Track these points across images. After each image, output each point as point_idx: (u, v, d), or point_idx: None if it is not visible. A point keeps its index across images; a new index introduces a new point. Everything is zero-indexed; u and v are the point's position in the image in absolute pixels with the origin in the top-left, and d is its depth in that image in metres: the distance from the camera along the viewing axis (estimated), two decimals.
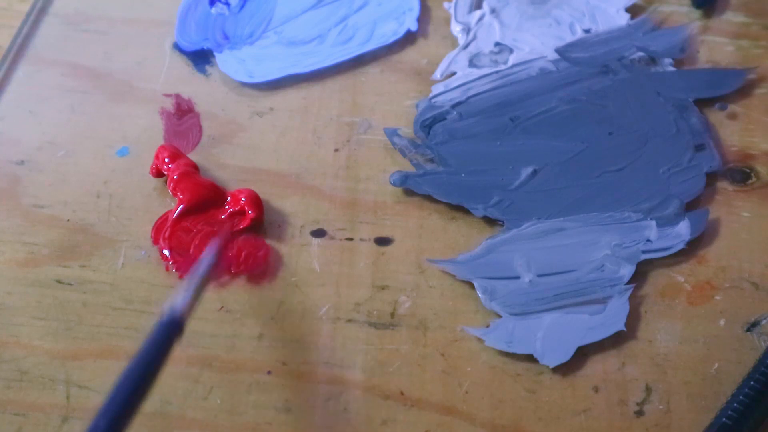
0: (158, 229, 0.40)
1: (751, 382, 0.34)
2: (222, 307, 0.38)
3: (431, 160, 0.42)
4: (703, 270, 0.39)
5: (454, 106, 0.44)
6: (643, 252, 0.39)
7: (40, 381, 0.36)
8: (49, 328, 0.37)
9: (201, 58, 0.46)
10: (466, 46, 0.46)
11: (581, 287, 0.38)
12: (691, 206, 0.40)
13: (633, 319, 0.37)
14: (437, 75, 0.45)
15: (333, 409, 0.35)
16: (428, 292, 0.38)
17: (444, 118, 0.43)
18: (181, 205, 0.40)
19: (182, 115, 0.44)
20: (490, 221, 0.40)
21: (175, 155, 0.41)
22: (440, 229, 0.40)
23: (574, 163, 0.42)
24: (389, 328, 0.37)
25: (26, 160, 0.42)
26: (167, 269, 0.39)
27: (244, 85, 0.45)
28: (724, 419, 0.34)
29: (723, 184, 0.42)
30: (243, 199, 0.40)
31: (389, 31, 0.47)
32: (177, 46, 0.47)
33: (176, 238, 0.39)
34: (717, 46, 0.47)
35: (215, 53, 0.46)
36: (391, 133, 0.43)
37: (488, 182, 0.41)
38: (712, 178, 0.41)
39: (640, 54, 0.46)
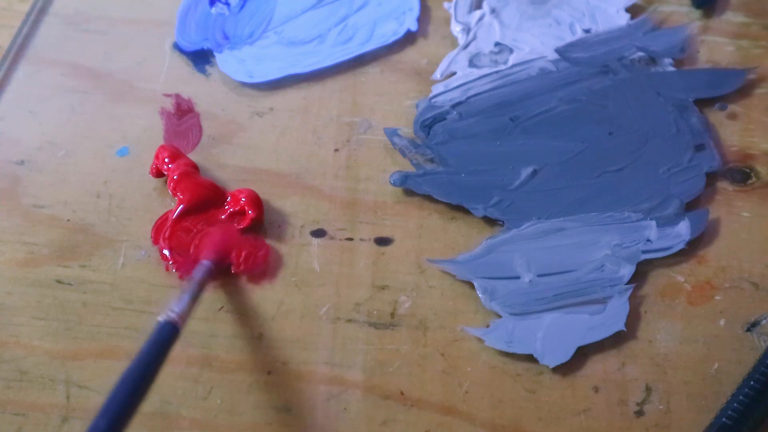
0: (158, 229, 0.40)
1: (751, 382, 0.34)
2: (222, 307, 0.38)
3: (431, 160, 0.42)
4: (703, 270, 0.39)
5: (454, 106, 0.44)
6: (643, 252, 0.39)
7: (40, 381, 0.36)
8: (49, 328, 0.37)
9: (201, 58, 0.46)
10: (466, 46, 0.46)
11: (581, 287, 0.38)
12: (691, 206, 0.40)
13: (633, 319, 0.37)
14: (437, 75, 0.45)
15: (333, 409, 0.35)
16: (428, 292, 0.38)
17: (444, 118, 0.43)
18: (181, 205, 0.40)
19: (182, 115, 0.44)
20: (490, 221, 0.40)
21: (175, 155, 0.41)
22: (440, 229, 0.40)
23: (574, 163, 0.42)
24: (389, 328, 0.37)
25: (26, 160, 0.42)
26: (167, 269, 0.39)
27: (244, 85, 0.45)
28: (724, 419, 0.34)
29: (723, 184, 0.42)
30: (243, 199, 0.40)
31: (389, 31, 0.47)
32: (177, 46, 0.47)
33: (176, 238, 0.39)
34: (717, 46, 0.47)
35: (215, 53, 0.46)
36: (391, 133, 0.43)
37: (488, 182, 0.41)
38: (712, 178, 0.41)
39: (640, 54, 0.46)
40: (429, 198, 0.41)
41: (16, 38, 0.47)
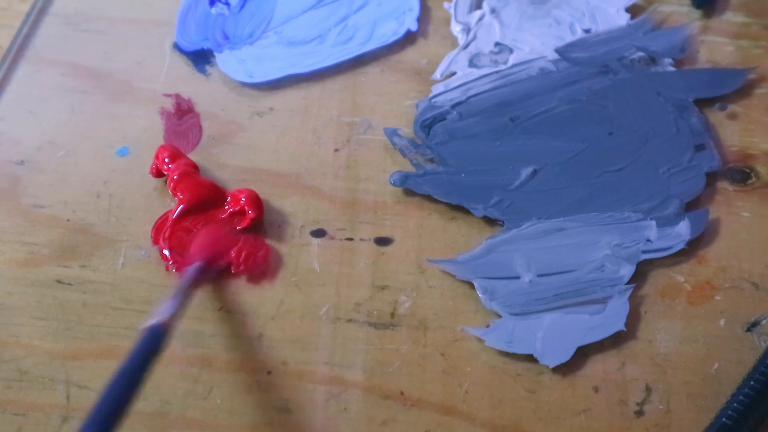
0: (158, 229, 0.40)
1: (751, 382, 0.34)
2: (222, 307, 0.38)
3: (431, 160, 0.42)
4: (703, 270, 0.39)
5: (454, 106, 0.44)
6: (643, 252, 0.39)
7: (40, 381, 0.36)
8: (49, 328, 0.37)
9: (201, 58, 0.46)
10: (466, 46, 0.46)
11: (581, 287, 0.38)
12: (691, 206, 0.40)
13: (633, 319, 0.37)
14: (437, 75, 0.45)
15: (333, 409, 0.35)
16: (428, 292, 0.38)
17: (444, 118, 0.43)
18: (181, 205, 0.40)
19: (182, 115, 0.44)
20: (490, 221, 0.40)
21: (175, 155, 0.41)
22: (440, 229, 0.40)
23: (574, 163, 0.42)
24: (389, 328, 0.37)
25: (26, 160, 0.42)
26: (167, 269, 0.39)
27: (244, 85, 0.45)
28: (724, 419, 0.34)
29: (723, 184, 0.42)
30: (243, 199, 0.40)
31: (389, 31, 0.47)
32: (177, 46, 0.47)
33: (176, 238, 0.39)
34: (717, 46, 0.47)
35: (215, 53, 0.46)
36: (391, 133, 0.43)
37: (488, 182, 0.41)
38: (712, 178, 0.41)
39: (640, 54, 0.45)
40: (429, 198, 0.41)
41: (16, 38, 0.47)
